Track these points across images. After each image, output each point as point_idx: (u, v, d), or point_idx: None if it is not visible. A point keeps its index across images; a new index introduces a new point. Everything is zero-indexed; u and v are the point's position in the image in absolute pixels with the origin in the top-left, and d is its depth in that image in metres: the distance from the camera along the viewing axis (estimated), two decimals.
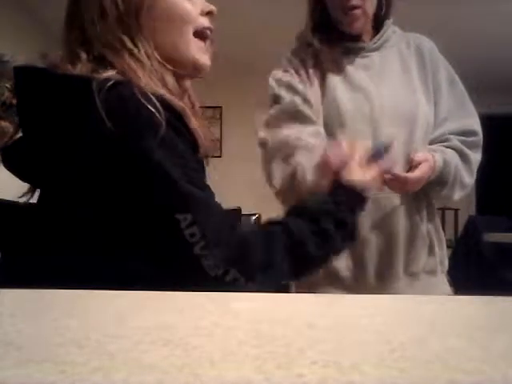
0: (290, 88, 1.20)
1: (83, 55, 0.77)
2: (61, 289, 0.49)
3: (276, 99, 1.21)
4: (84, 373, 0.25)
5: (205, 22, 0.84)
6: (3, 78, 3.40)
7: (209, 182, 0.79)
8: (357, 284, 1.16)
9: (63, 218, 0.75)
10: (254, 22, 3.93)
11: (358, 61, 1.23)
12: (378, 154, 0.96)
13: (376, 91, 1.18)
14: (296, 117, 1.17)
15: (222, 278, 0.69)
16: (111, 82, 0.70)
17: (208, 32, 0.84)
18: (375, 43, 1.24)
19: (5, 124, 3.37)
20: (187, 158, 0.73)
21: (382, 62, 1.23)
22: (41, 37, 3.43)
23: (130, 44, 0.77)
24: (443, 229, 1.28)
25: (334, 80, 1.20)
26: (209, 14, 0.84)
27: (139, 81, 0.74)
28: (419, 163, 1.09)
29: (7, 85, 3.39)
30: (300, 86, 1.19)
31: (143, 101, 0.69)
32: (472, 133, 1.21)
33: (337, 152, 0.94)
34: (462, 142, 1.18)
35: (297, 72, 1.22)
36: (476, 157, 1.21)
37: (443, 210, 4.19)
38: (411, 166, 1.09)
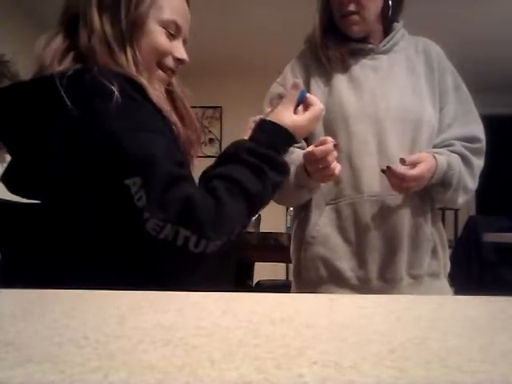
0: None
1: (68, 56, 0.82)
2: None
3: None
4: (84, 373, 0.25)
5: (170, 62, 0.91)
6: (3, 78, 3.40)
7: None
8: (360, 285, 1.16)
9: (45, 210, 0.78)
10: (254, 23, 3.93)
11: (366, 62, 1.23)
12: (299, 103, 0.94)
13: (382, 93, 1.19)
14: None
15: (173, 241, 0.69)
16: (71, 72, 0.75)
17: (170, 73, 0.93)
18: (384, 46, 1.25)
19: None
20: (142, 122, 0.75)
21: (390, 65, 1.23)
22: None
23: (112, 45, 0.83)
24: (443, 228, 1.28)
25: (341, 81, 1.21)
26: (180, 61, 0.92)
27: (99, 62, 0.79)
28: (415, 162, 1.09)
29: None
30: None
31: (99, 77, 0.74)
32: (476, 139, 1.22)
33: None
34: (466, 148, 1.19)
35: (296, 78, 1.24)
36: (479, 163, 1.21)
37: (443, 210, 4.19)
38: (404, 165, 1.09)
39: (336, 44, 1.22)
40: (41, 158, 0.78)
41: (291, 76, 1.25)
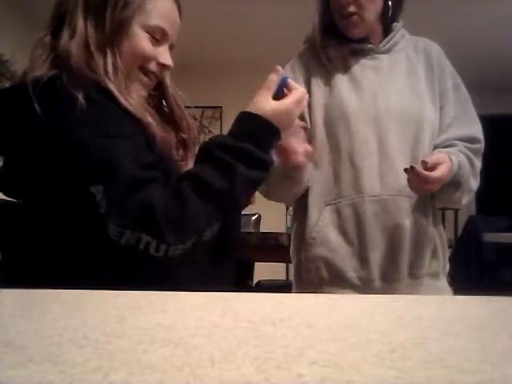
0: None
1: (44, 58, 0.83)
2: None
3: None
4: (84, 373, 0.25)
5: (154, 67, 0.91)
6: (3, 78, 3.40)
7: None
8: (362, 286, 1.16)
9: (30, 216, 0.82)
10: (254, 23, 3.93)
11: (367, 62, 1.23)
12: (280, 90, 0.87)
13: (383, 93, 1.19)
14: None
15: (135, 246, 0.69)
16: (45, 79, 0.77)
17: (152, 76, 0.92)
18: (384, 46, 1.24)
19: None
20: (106, 128, 0.76)
21: (391, 65, 1.23)
22: None
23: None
24: (443, 229, 1.28)
25: (341, 80, 1.21)
26: (164, 66, 0.92)
27: (73, 67, 0.79)
28: (436, 164, 1.08)
29: (7, 85, 3.39)
30: None
31: (66, 84, 0.75)
32: (476, 140, 1.22)
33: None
34: (468, 149, 1.19)
35: (295, 80, 1.24)
36: (479, 164, 1.22)
37: (443, 210, 4.19)
38: (426, 167, 1.07)
39: (336, 44, 1.22)
40: (21, 162, 0.81)
41: (292, 75, 1.25)
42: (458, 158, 1.14)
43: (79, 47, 0.82)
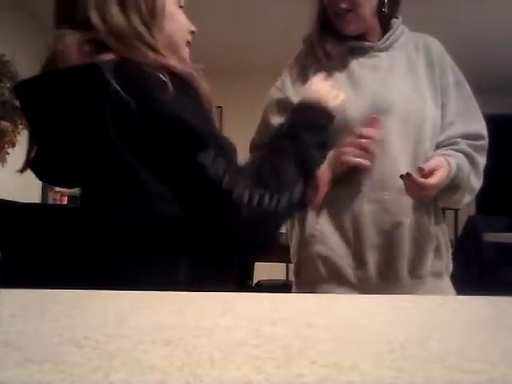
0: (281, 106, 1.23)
1: (85, 42, 0.82)
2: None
3: (266, 122, 1.25)
4: (83, 373, 0.25)
5: (189, 37, 0.95)
6: (3, 78, 3.40)
7: None
8: (360, 283, 1.16)
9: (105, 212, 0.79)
10: (254, 23, 3.93)
11: (366, 61, 1.22)
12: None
13: (383, 93, 1.18)
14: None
15: (248, 203, 0.75)
16: (117, 62, 0.77)
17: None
18: (384, 43, 1.23)
19: (5, 124, 3.36)
20: (199, 110, 0.80)
21: (390, 63, 1.22)
22: (41, 37, 3.43)
23: (145, 34, 0.84)
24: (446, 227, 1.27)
25: (340, 79, 1.20)
26: (192, 33, 0.96)
27: (143, 57, 0.80)
28: (433, 170, 1.08)
29: (7, 85, 3.39)
30: (291, 100, 1.21)
31: (148, 70, 0.77)
32: (479, 136, 1.20)
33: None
34: (470, 146, 1.17)
35: (293, 84, 1.24)
36: (483, 161, 1.20)
37: (443, 210, 4.19)
38: (424, 174, 1.07)
39: (334, 42, 1.21)
40: (87, 144, 0.78)
41: (289, 79, 1.25)
42: (457, 160, 1.13)
43: (129, 34, 0.82)
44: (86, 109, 0.77)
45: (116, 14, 0.83)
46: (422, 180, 1.06)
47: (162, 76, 0.76)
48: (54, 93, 0.80)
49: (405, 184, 1.08)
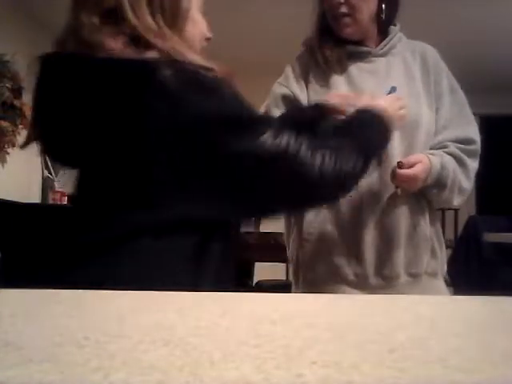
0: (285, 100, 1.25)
1: (120, 34, 0.82)
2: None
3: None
4: (84, 373, 0.25)
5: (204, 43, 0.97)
6: (3, 78, 3.40)
7: None
8: (358, 281, 1.17)
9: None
10: (254, 23, 3.93)
11: (364, 65, 1.25)
12: None
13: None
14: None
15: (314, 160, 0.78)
16: (165, 61, 0.78)
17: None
18: (382, 49, 1.26)
19: (5, 124, 3.37)
20: (246, 102, 0.82)
21: (387, 68, 1.24)
22: (41, 37, 3.43)
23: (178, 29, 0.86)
24: (443, 229, 1.29)
25: (339, 83, 1.22)
26: (208, 39, 0.97)
27: (186, 58, 0.82)
28: (413, 164, 1.12)
29: (7, 85, 3.39)
30: (296, 95, 1.23)
31: (198, 71, 0.79)
32: (470, 141, 1.23)
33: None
34: (460, 150, 1.20)
35: (296, 80, 1.25)
36: (474, 165, 1.23)
37: (443, 210, 4.19)
38: (401, 167, 1.12)
39: (333, 46, 1.24)
40: (125, 134, 0.77)
41: (293, 76, 1.26)
42: (441, 159, 1.16)
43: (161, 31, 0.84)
44: (124, 100, 0.77)
45: (147, 14, 0.84)
46: (399, 170, 1.12)
47: (214, 76, 0.80)
48: (89, 77, 0.79)
49: (390, 175, 1.14)
